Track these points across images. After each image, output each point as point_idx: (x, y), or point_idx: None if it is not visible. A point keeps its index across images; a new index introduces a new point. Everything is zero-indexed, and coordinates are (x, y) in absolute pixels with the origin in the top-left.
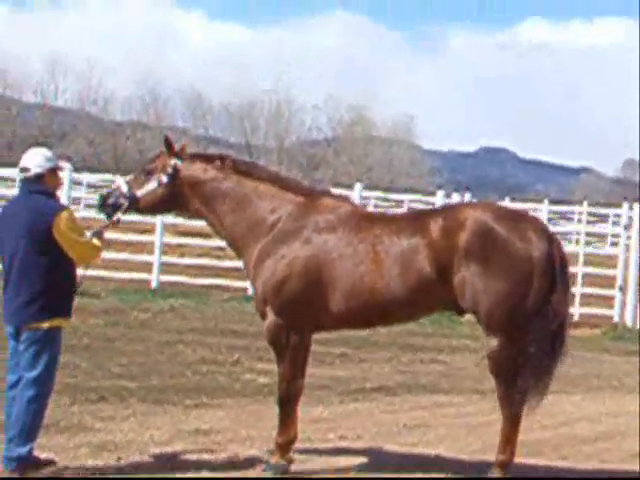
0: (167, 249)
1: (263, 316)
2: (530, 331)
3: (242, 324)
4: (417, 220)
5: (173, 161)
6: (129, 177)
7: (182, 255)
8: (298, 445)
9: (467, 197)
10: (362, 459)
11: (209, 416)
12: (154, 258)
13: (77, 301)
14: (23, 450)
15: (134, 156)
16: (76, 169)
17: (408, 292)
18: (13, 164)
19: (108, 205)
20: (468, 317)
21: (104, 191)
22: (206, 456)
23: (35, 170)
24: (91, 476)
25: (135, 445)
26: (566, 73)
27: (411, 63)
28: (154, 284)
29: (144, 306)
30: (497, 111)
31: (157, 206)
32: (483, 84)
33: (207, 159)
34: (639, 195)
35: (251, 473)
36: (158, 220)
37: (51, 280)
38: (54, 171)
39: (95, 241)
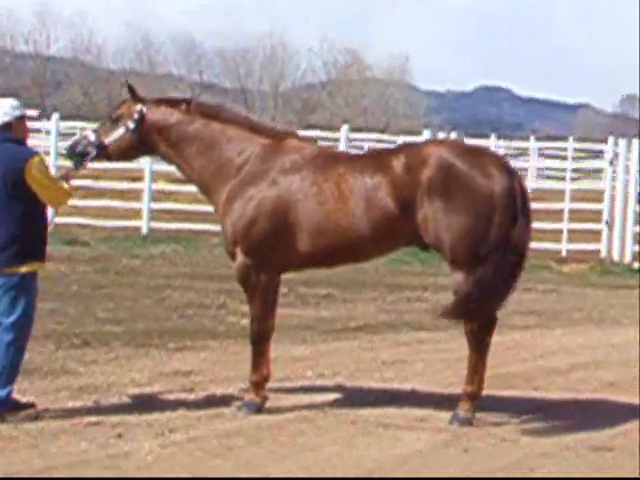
0: (158, 196)
1: (233, 257)
2: (490, 263)
3: (230, 268)
4: (380, 158)
5: (138, 107)
6: (96, 125)
7: (174, 201)
8: (275, 383)
9: (452, 136)
10: (338, 395)
11: (191, 358)
12: (143, 205)
13: (68, 249)
14: (2, 393)
15: None
16: (71, 117)
17: (372, 229)
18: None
19: (76, 153)
20: None
21: (72, 140)
22: (183, 395)
23: (2, 119)
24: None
25: (115, 387)
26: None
27: (404, 1)
28: (145, 231)
29: (134, 253)
30: (494, 48)
31: (125, 152)
32: (477, 16)
33: (172, 103)
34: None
35: (226, 411)
36: (147, 167)
37: (26, 225)
38: (22, 119)
39: (65, 185)
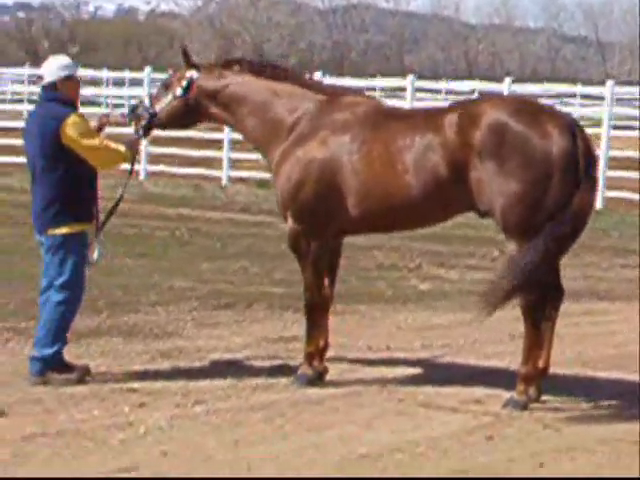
0: None
1: (286, 221)
2: (544, 231)
3: (461, 229)
4: (433, 117)
5: (189, 73)
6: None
7: None
8: (370, 354)
9: None
10: (417, 370)
11: None
12: None
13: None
14: (48, 351)
15: (487, 59)
16: (425, 77)
17: (422, 194)
18: (366, 74)
19: (134, 117)
20: None
21: (132, 104)
22: (259, 363)
23: (47, 78)
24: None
25: (201, 352)
26: None
27: None
28: None
29: None
30: None
31: (175, 119)
32: None
33: (225, 66)
34: None
35: (283, 381)
36: None
37: (66, 186)
38: (69, 79)
39: (114, 145)
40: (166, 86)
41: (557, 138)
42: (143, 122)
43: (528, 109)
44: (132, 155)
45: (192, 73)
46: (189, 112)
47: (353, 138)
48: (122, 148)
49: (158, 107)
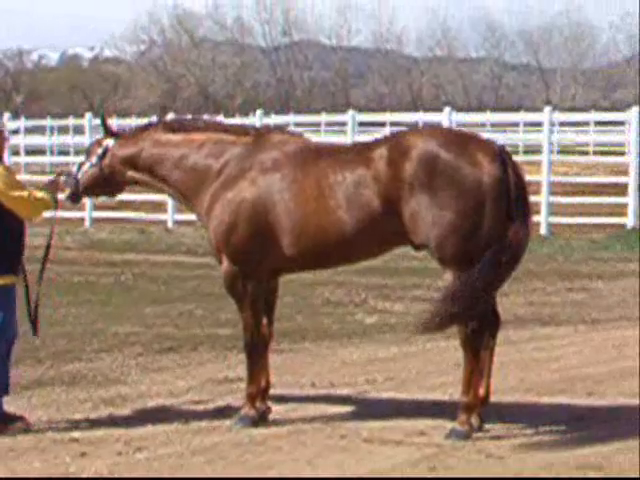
0: None
1: (221, 264)
2: (481, 263)
3: (406, 261)
4: (362, 151)
5: (106, 142)
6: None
7: None
8: (312, 390)
9: None
10: (358, 407)
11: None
12: None
13: None
14: None
15: (431, 91)
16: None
17: (357, 229)
18: (312, 110)
19: (67, 183)
20: None
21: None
22: (201, 407)
23: None
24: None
25: (145, 397)
26: None
27: None
28: None
29: None
30: None
31: (94, 187)
32: None
33: (142, 130)
34: None
35: (227, 424)
36: None
37: None
38: None
39: (40, 194)
40: (88, 153)
41: (487, 166)
42: (70, 188)
43: (457, 139)
44: (53, 197)
45: (108, 142)
46: (106, 180)
47: (283, 176)
48: (46, 195)
49: (80, 174)
